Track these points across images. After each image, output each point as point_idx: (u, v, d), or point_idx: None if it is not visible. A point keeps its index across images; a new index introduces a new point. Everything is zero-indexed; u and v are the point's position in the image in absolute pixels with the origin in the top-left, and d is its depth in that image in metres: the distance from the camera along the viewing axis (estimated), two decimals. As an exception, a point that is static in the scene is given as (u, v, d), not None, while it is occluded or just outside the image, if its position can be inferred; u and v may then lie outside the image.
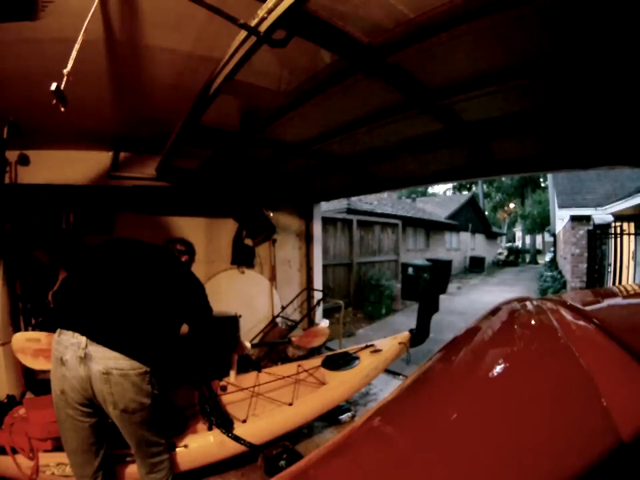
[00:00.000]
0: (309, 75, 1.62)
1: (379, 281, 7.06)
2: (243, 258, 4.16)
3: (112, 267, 1.71)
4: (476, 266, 16.13)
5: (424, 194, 28.60)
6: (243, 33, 1.13)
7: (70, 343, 1.47)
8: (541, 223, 21.23)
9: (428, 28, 1.21)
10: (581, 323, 0.74)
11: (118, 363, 1.45)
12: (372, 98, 1.87)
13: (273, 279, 4.47)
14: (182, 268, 1.89)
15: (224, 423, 2.06)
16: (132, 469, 1.79)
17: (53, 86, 1.10)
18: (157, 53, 1.62)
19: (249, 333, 3.96)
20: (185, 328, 1.82)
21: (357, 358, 2.81)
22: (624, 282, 5.80)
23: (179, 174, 3.10)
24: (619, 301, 1.12)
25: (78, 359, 1.44)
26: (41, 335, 1.92)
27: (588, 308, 0.94)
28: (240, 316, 3.93)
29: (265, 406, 2.31)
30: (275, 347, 3.44)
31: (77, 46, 1.11)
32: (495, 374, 0.66)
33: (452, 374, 0.76)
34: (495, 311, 1.01)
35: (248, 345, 2.30)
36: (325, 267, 5.78)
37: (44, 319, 2.71)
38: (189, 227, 3.75)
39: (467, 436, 0.53)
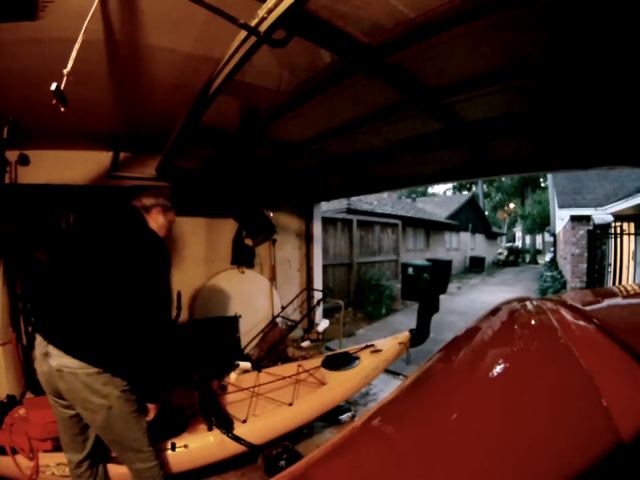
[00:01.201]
0: (309, 74, 1.62)
1: (379, 281, 7.06)
2: (242, 258, 4.16)
3: (64, 264, 1.65)
4: (476, 266, 16.13)
5: (424, 194, 28.60)
6: (243, 33, 1.13)
7: (39, 340, 1.52)
8: (541, 222, 21.23)
9: (428, 28, 1.21)
10: (581, 322, 0.74)
11: (66, 361, 1.44)
12: (372, 98, 1.86)
13: (273, 278, 4.47)
14: (140, 253, 1.59)
15: (224, 422, 2.06)
16: (125, 469, 1.75)
17: (53, 86, 1.10)
18: (157, 53, 1.62)
19: (248, 333, 3.96)
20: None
21: (357, 358, 2.81)
22: (624, 282, 5.79)
23: (179, 174, 3.10)
24: (619, 300, 1.12)
25: (42, 356, 1.49)
26: None
27: (588, 308, 0.94)
28: (240, 316, 3.94)
29: (265, 406, 2.31)
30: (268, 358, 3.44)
31: (77, 46, 1.11)
32: (495, 374, 0.66)
33: (452, 374, 0.76)
34: (495, 311, 1.01)
35: (248, 365, 2.29)
36: (325, 267, 5.78)
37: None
38: (189, 227, 3.75)
39: (467, 436, 0.53)
